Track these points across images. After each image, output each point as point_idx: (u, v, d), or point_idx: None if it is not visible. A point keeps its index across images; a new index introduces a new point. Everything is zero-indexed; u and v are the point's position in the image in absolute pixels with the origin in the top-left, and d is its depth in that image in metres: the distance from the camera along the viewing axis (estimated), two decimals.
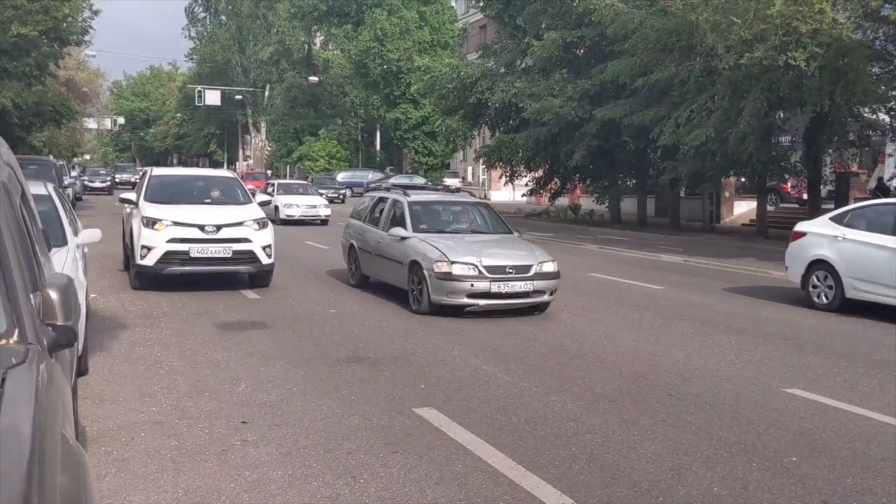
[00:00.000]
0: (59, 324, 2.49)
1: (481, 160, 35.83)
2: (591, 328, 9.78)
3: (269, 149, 77.01)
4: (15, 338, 2.30)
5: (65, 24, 28.76)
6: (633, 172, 30.31)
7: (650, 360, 8.10)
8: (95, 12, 31.98)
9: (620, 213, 30.92)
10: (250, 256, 12.06)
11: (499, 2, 31.91)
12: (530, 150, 30.26)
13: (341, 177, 49.29)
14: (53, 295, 2.48)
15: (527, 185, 34.27)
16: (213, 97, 70.45)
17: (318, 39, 66.20)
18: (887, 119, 23.08)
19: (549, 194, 33.48)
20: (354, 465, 4.95)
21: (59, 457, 1.86)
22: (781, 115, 23.81)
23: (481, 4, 33.74)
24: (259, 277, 12.41)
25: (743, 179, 30.38)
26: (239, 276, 12.57)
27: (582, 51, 30.29)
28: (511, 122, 32.36)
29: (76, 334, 2.61)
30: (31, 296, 2.49)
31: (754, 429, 5.88)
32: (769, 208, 27.48)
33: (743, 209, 31.20)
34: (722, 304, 11.83)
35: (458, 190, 51.80)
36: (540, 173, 32.79)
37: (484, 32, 46.76)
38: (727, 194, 30.78)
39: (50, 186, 8.30)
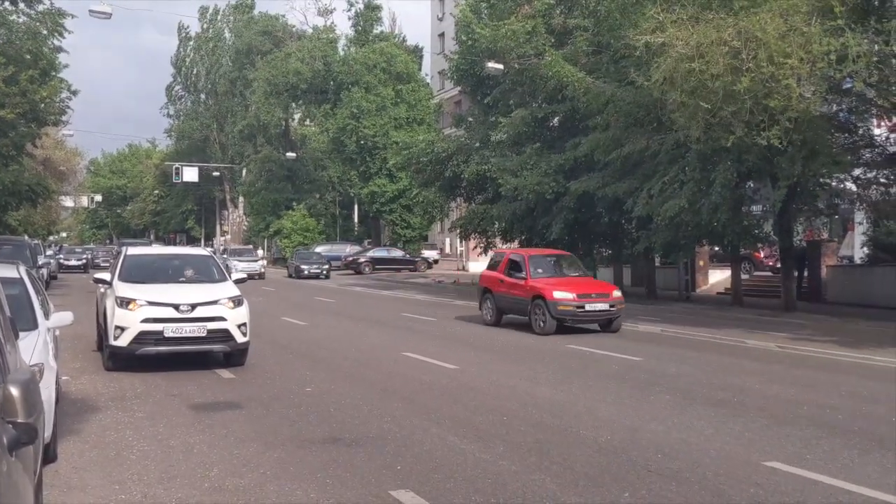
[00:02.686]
0: (19, 421, 2.43)
1: (457, 231, 36.04)
2: (570, 402, 9.71)
3: (246, 223, 77.08)
4: None
5: (42, 106, 28.95)
6: (608, 243, 30.57)
7: (629, 434, 8.03)
8: (74, 93, 32.28)
9: None
10: (225, 335, 11.94)
11: (472, 78, 32.55)
12: (506, 223, 30.51)
13: (319, 250, 49.35)
14: (14, 391, 2.43)
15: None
16: (190, 174, 70.81)
17: (296, 116, 67.02)
18: (854, 188, 23.56)
19: None
20: None
21: None
22: (751, 186, 24.25)
23: (455, 78, 34.38)
24: (234, 356, 12.26)
25: (716, 248, 30.73)
26: (213, 355, 12.42)
27: (554, 125, 30.84)
28: (486, 193, 32.70)
29: (38, 431, 2.55)
30: None
31: None
32: (743, 276, 27.74)
33: (717, 277, 31.47)
34: (700, 375, 11.81)
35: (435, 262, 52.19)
36: (516, 245, 32.98)
37: (459, 108, 47.59)
38: (701, 263, 31.07)
39: (22, 269, 8.23)
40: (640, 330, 18.32)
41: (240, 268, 35.60)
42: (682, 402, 9.75)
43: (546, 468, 6.74)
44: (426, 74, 60.69)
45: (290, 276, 44.66)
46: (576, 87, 25.16)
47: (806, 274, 26.61)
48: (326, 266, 43.54)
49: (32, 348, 6.38)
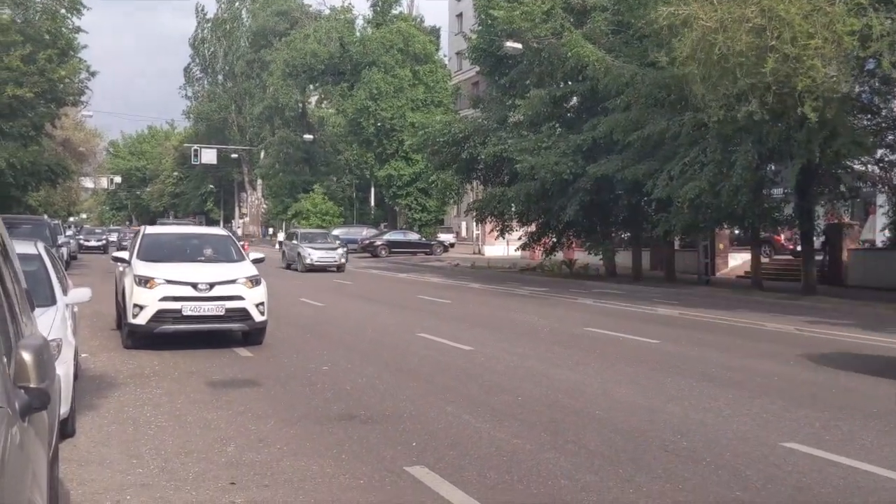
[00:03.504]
0: (32, 386, 2.43)
1: (473, 214, 35.96)
2: (585, 383, 9.68)
3: (265, 206, 77.36)
4: None
5: (61, 86, 29.08)
6: (627, 226, 30.41)
7: (646, 415, 7.99)
8: (92, 74, 32.42)
9: (615, 266, 30.92)
10: (243, 314, 11.99)
11: (490, 58, 32.35)
12: (521, 205, 30.37)
13: (336, 233, 49.41)
14: (27, 357, 2.43)
15: (520, 239, 34.33)
16: (209, 156, 71.12)
17: (314, 98, 67.01)
18: (877, 170, 23.28)
19: (542, 249, 33.53)
20: None
21: None
22: (772, 168, 24.02)
23: (473, 58, 34.17)
24: (252, 335, 12.32)
25: (737, 231, 30.51)
26: (232, 333, 12.48)
27: (573, 105, 30.63)
28: (502, 175, 32.57)
29: (50, 397, 2.55)
30: (5, 358, 2.43)
31: (752, 484, 5.77)
32: (763, 260, 27.53)
33: (737, 261, 31.25)
34: (718, 357, 11.74)
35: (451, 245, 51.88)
36: (533, 228, 32.87)
37: (476, 89, 47.35)
38: (721, 246, 30.86)
39: (40, 246, 8.28)
40: (659, 313, 18.24)
41: (315, 258, 32.53)
42: (699, 383, 9.69)
43: (560, 447, 6.72)
44: (444, 55, 60.42)
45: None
46: (596, 66, 24.96)
47: (827, 257, 26.38)
48: (344, 249, 43.68)
49: (51, 323, 6.42)
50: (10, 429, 2.14)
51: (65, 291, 7.76)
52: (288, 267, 34.22)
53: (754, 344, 13.27)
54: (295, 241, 34.62)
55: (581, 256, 34.09)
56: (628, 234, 31.01)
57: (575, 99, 30.13)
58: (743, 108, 17.20)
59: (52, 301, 7.03)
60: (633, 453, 6.57)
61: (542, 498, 5.42)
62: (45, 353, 2.50)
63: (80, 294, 7.75)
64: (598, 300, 21.30)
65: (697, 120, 21.27)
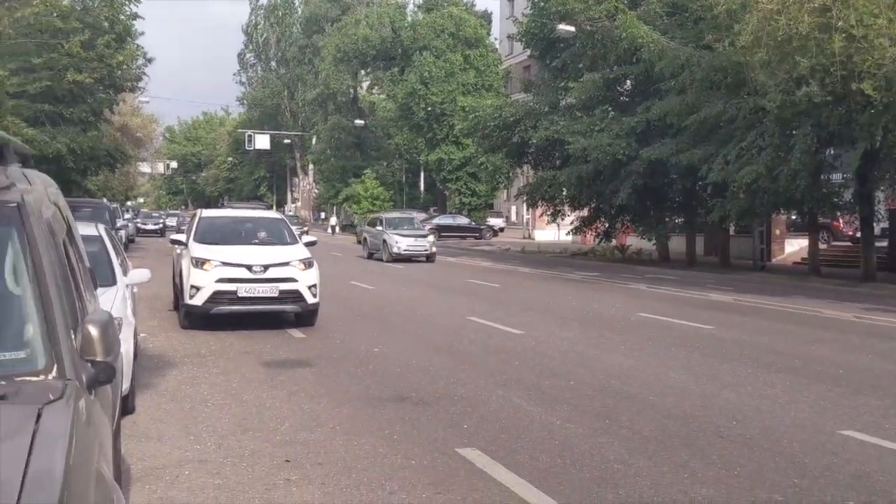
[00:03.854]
0: (98, 360, 2.50)
1: (524, 198, 35.78)
2: (638, 368, 9.59)
3: (316, 191, 78.07)
4: (53, 374, 2.31)
5: (119, 72, 29.66)
6: (681, 210, 29.98)
7: (700, 401, 7.90)
8: (149, 60, 33.01)
9: (668, 251, 30.53)
10: (296, 296, 12.15)
11: (542, 42, 32.08)
12: (573, 188, 30.11)
13: (386, 217, 49.57)
14: (93, 331, 2.50)
15: (571, 223, 34.09)
16: (262, 141, 71.95)
17: (365, 84, 67.27)
18: None
19: (594, 234, 33.25)
20: None
21: (91, 497, 1.83)
22: (832, 152, 23.42)
23: (525, 41, 33.92)
24: (305, 316, 12.48)
25: (794, 217, 29.87)
26: (285, 315, 12.66)
27: (626, 88, 30.25)
28: (554, 159, 32.32)
29: (115, 370, 2.62)
30: (72, 332, 2.50)
31: (809, 472, 5.67)
32: (821, 246, 26.92)
33: (794, 247, 30.60)
34: (774, 344, 11.53)
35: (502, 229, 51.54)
36: (585, 212, 32.59)
37: (528, 72, 47.02)
38: (777, 232, 30.25)
39: (101, 228, 8.48)
40: (713, 299, 17.97)
41: (403, 246, 28.93)
42: (754, 370, 9.54)
43: (614, 432, 6.68)
44: (495, 39, 60.09)
45: (357, 242, 44.98)
46: (650, 49, 24.58)
47: (888, 243, 25.68)
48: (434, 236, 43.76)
49: (111, 303, 6.58)
50: (77, 401, 2.21)
51: (124, 272, 7.94)
52: (370, 256, 30.88)
53: (811, 331, 13.00)
54: (379, 228, 30.72)
55: (633, 241, 33.74)
56: (682, 219, 30.57)
57: (628, 82, 29.73)
58: (802, 89, 16.79)
59: (112, 281, 7.20)
60: (686, 439, 6.50)
61: (595, 482, 5.40)
62: (111, 328, 2.56)
63: (140, 275, 7.93)
64: (651, 285, 21.07)
65: (755, 103, 20.83)
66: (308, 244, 13.64)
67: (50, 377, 2.30)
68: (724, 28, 19.68)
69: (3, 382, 2.18)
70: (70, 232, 3.59)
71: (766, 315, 15.14)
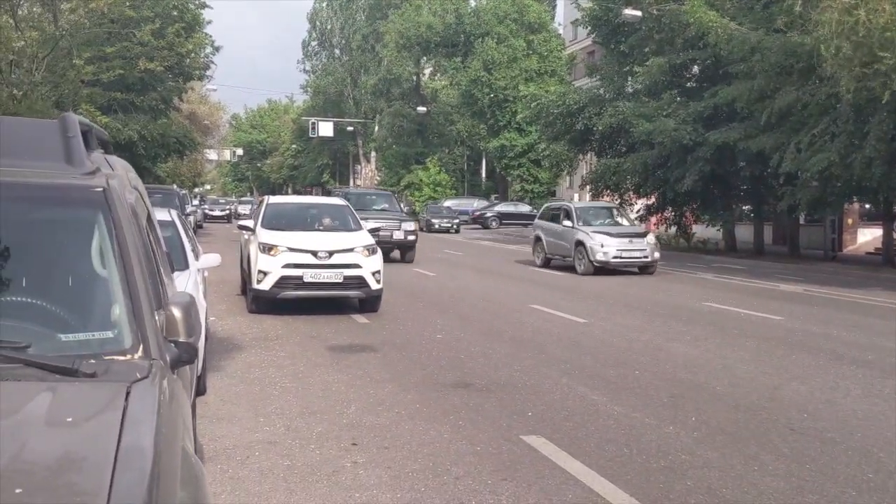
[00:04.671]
0: (181, 340, 2.57)
1: (588, 187, 35.41)
2: (705, 358, 9.44)
3: (377, 178, 78.55)
4: (139, 353, 2.39)
5: (188, 60, 30.30)
6: (748, 198, 29.32)
7: (769, 393, 7.74)
8: (217, 48, 33.65)
9: (735, 240, 29.92)
10: (360, 282, 12.28)
11: (606, 27, 31.64)
12: (638, 175, 29.67)
13: (448, 204, 49.64)
14: (176, 312, 2.57)
15: (637, 212, 33.61)
16: (325, 128, 72.64)
17: (427, 70, 67.32)
18: None
19: (660, 222, 32.75)
20: (463, 491, 4.90)
21: (178, 472, 1.89)
22: None
23: (589, 28, 33.50)
24: (368, 302, 12.61)
25: (868, 206, 28.95)
26: (349, 300, 12.80)
27: (693, 73, 29.66)
28: (618, 146, 31.89)
29: (197, 351, 2.69)
30: (156, 313, 2.58)
31: (884, 467, 5.51)
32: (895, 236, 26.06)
33: (867, 237, 29.68)
34: (846, 336, 11.22)
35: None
36: (652, 200, 32.11)
37: (592, 58, 46.44)
38: (850, 221, 29.37)
39: (174, 213, 8.68)
40: (782, 289, 17.56)
41: (612, 251, 19.77)
42: (826, 362, 9.31)
43: (681, 422, 6.59)
44: (559, 24, 59.49)
45: (420, 229, 45.08)
46: (718, 34, 24.03)
47: None
48: (456, 220, 43.77)
49: (185, 286, 6.73)
50: (163, 380, 2.27)
51: (196, 257, 8.12)
52: (547, 264, 22.17)
53: (885, 322, 12.60)
54: (568, 223, 21.04)
55: (699, 230, 33.14)
56: (749, 206, 29.90)
57: (695, 67, 29.14)
58: (886, 89, 16.24)
59: (184, 265, 7.37)
60: (756, 431, 6.38)
61: (662, 472, 5.34)
62: (193, 310, 2.63)
63: (211, 259, 8.10)
64: (718, 275, 20.68)
65: (828, 91, 20.21)
66: (372, 230, 13.78)
67: (136, 357, 2.37)
68: (798, 14, 19.13)
69: (92, 361, 2.25)
70: (149, 217, 3.69)
71: (838, 306, 14.73)
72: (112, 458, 1.72)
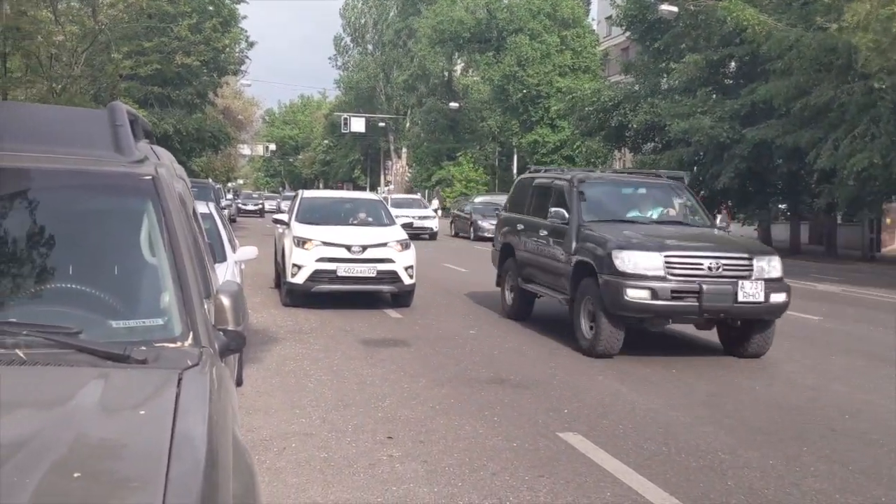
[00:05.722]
0: (229, 328, 2.58)
1: None
2: (743, 359, 9.32)
3: (409, 174, 78.65)
4: (189, 341, 2.39)
5: (223, 55, 30.52)
6: (784, 196, 28.92)
7: (808, 393, 7.63)
8: (251, 44, 33.84)
9: (771, 239, 29.52)
10: (393, 276, 12.29)
11: (642, 23, 31.36)
12: None
13: (478, 201, 49.48)
14: (225, 301, 2.58)
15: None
16: (357, 124, 72.88)
17: (459, 66, 67.22)
18: None
19: None
20: (500, 487, 4.88)
21: (231, 460, 1.89)
22: None
23: (624, 25, 33.24)
24: (401, 297, 12.61)
25: None
26: (382, 295, 12.82)
27: (730, 70, 29.31)
28: (653, 143, 31.61)
29: (245, 339, 2.69)
30: (204, 301, 2.58)
31: None
32: None
33: None
34: (886, 337, 11.02)
35: None
36: None
37: (626, 54, 46.07)
38: (889, 221, 28.86)
39: (211, 206, 8.74)
40: (819, 289, 17.31)
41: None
42: (866, 363, 9.15)
43: (719, 421, 6.51)
44: (593, 19, 59.08)
45: (456, 234, 44.40)
46: (756, 30, 23.72)
47: None
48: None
49: (223, 278, 6.77)
50: (213, 368, 2.28)
51: (233, 249, 8.17)
52: None
53: None
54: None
55: (733, 228, 32.73)
56: (785, 205, 29.49)
57: (732, 63, 28.80)
58: None
59: (222, 257, 7.42)
60: (796, 431, 6.29)
61: (702, 472, 5.27)
62: (241, 299, 2.64)
63: (248, 252, 8.15)
64: None
65: (868, 87, 19.86)
66: (405, 226, 13.79)
67: (186, 344, 2.37)
68: (834, 9, 18.84)
69: (143, 348, 2.26)
70: (193, 209, 3.71)
71: (877, 306, 14.49)
72: (167, 445, 1.72)
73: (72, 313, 2.40)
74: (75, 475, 1.61)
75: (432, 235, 30.56)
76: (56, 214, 2.70)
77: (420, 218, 30.72)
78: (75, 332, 2.26)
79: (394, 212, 26.06)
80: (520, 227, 11.52)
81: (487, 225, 29.77)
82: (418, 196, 39.53)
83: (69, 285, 2.52)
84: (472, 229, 31.62)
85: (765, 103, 24.47)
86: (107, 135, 2.87)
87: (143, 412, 1.95)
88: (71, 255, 2.63)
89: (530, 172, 12.75)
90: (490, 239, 29.18)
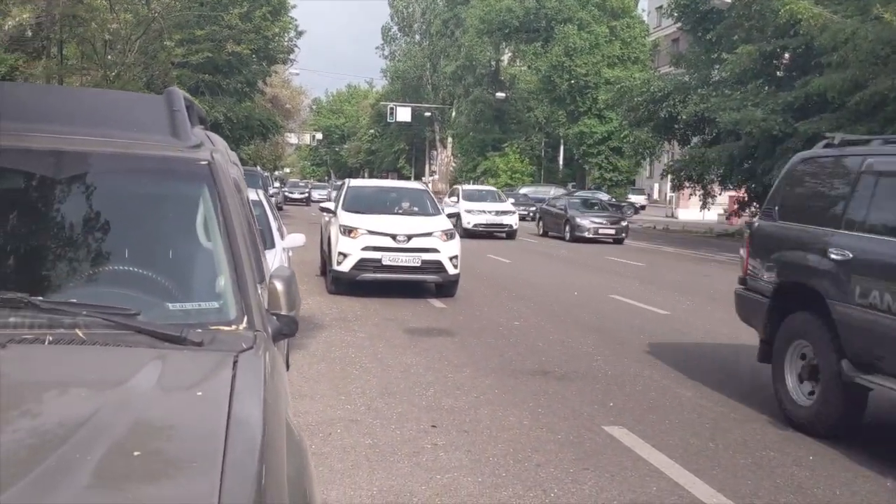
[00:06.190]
0: (282, 313, 2.60)
1: (669, 177, 34.71)
2: None
3: (454, 164, 78.65)
4: (244, 324, 2.42)
5: (273, 44, 30.80)
6: None
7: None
8: (300, 33, 34.10)
9: None
10: (438, 266, 12.32)
11: (694, 14, 30.89)
12: (723, 166, 28.92)
13: (524, 192, 49.29)
14: (279, 286, 2.60)
15: (721, 205, 32.73)
16: (403, 114, 73.06)
17: (506, 56, 66.95)
18: None
19: (744, 214, 31.88)
20: (544, 479, 4.86)
21: (284, 443, 1.90)
22: None
23: (675, 16, 32.77)
24: (445, 287, 12.63)
25: None
26: (425, 284, 12.85)
27: (783, 62, 28.72)
28: (703, 135, 31.14)
29: (297, 324, 2.71)
30: (258, 286, 2.61)
31: None
32: None
33: None
34: None
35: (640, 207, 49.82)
36: (742, 192, 31.24)
37: (676, 46, 45.44)
38: None
39: (261, 193, 8.83)
40: None
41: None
42: None
43: (766, 418, 6.40)
44: (643, 10, 58.37)
45: (544, 232, 43.32)
46: (811, 23, 23.19)
47: None
48: (533, 208, 43.34)
49: (271, 265, 6.85)
50: (266, 352, 2.30)
51: (281, 236, 8.26)
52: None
53: None
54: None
55: None
56: None
57: (786, 55, 28.21)
58: None
59: (271, 244, 7.50)
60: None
61: (750, 469, 5.20)
62: (294, 284, 2.67)
63: (295, 239, 8.23)
64: None
65: None
66: (450, 216, 13.79)
67: (240, 328, 2.40)
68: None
69: (199, 330, 2.29)
70: (245, 196, 3.75)
71: None
72: (224, 426, 1.74)
73: (130, 295, 2.44)
74: (135, 454, 1.63)
75: (510, 234, 26.73)
76: (115, 197, 2.74)
77: (497, 213, 26.87)
78: (134, 313, 2.30)
79: (466, 205, 24.92)
80: (836, 254, 5.91)
81: (588, 223, 26.41)
82: (493, 188, 35.12)
83: (127, 268, 2.56)
84: (567, 228, 26.92)
85: (819, 96, 23.92)
86: (164, 120, 2.91)
87: (199, 393, 1.98)
88: (129, 238, 2.67)
89: (837, 145, 6.63)
90: (592, 240, 25.60)
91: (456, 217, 21.95)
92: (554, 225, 28.16)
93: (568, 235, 26.44)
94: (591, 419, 6.20)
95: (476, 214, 26.15)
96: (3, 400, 1.84)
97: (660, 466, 5.13)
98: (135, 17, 20.55)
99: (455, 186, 31.87)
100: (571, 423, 6.08)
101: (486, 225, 26.23)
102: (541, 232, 29.33)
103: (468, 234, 24.76)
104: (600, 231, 26.12)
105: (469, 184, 31.09)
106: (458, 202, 26.60)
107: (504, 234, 26.59)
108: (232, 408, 1.83)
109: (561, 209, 27.88)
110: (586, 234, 25.91)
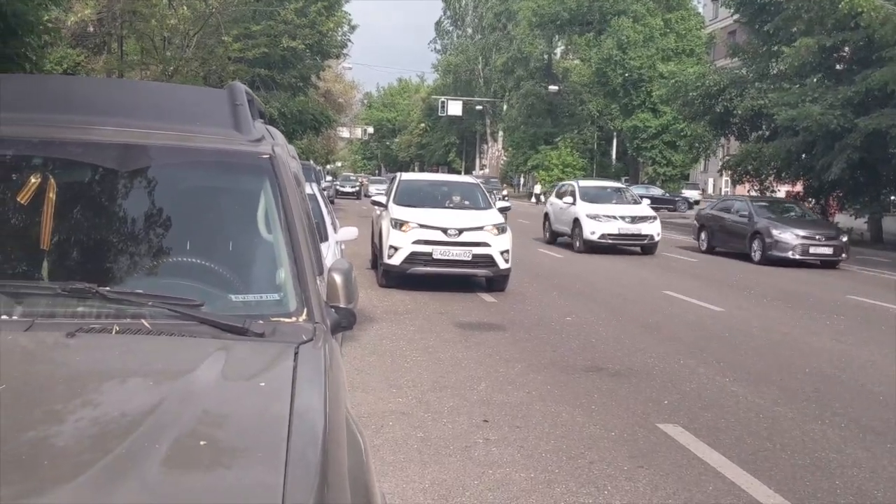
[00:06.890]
0: (341, 306, 2.62)
1: (725, 172, 34.10)
2: (851, 354, 8.94)
3: (504, 158, 78.42)
4: (303, 317, 2.44)
5: (326, 39, 31.03)
6: None
7: None
8: (353, 27, 34.29)
9: (882, 232, 28.18)
10: (489, 260, 12.30)
11: (752, 5, 30.23)
12: (781, 162, 28.31)
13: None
14: (337, 278, 2.63)
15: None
16: (455, 107, 73.05)
17: (559, 49, 66.47)
18: None
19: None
20: (598, 476, 4.83)
21: (345, 434, 1.92)
22: None
23: (732, 9, 32.13)
24: (496, 281, 12.61)
25: None
26: (476, 278, 12.84)
27: (843, 56, 27.97)
28: (760, 130, 30.51)
29: (356, 317, 2.73)
30: (317, 279, 2.64)
31: None
32: None
33: None
34: None
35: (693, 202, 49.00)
36: (799, 187, 30.58)
37: (733, 37, 44.54)
38: None
39: (315, 187, 8.93)
40: None
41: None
42: None
43: (827, 419, 6.27)
44: (698, 2, 57.40)
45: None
46: (872, 15, 22.55)
47: None
48: None
49: (325, 257, 6.92)
50: (326, 344, 2.32)
51: (335, 229, 8.34)
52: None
53: None
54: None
55: (842, 219, 31.37)
56: None
57: (847, 48, 27.46)
58: None
59: (325, 237, 7.58)
60: None
61: (808, 469, 5.09)
62: (352, 277, 2.69)
63: (349, 232, 8.31)
64: (863, 267, 19.54)
65: None
66: (502, 210, 13.77)
67: (300, 320, 2.43)
68: None
69: (260, 322, 2.32)
70: (303, 189, 3.79)
71: None
72: (287, 417, 1.76)
73: (193, 286, 2.48)
74: (202, 443, 1.66)
75: (648, 248, 20.13)
76: (178, 190, 2.79)
77: (633, 220, 20.06)
78: (198, 304, 2.34)
79: (587, 208, 19.93)
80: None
81: (791, 239, 18.74)
82: (619, 184, 27.45)
83: (190, 259, 2.61)
84: (754, 245, 19.49)
85: (879, 90, 23.27)
86: (227, 113, 2.95)
87: (262, 384, 2.01)
88: (192, 229, 2.72)
89: None
90: (801, 263, 18.08)
91: (573, 224, 20.32)
92: (728, 238, 20.96)
93: (757, 255, 19.23)
94: (645, 416, 6.13)
95: (603, 222, 19.74)
96: (71, 389, 1.89)
97: (716, 465, 5.06)
98: (193, 13, 20.89)
99: (565, 182, 24.96)
100: (625, 420, 6.03)
101: (618, 235, 19.73)
102: (704, 248, 21.98)
103: (590, 247, 19.58)
104: (811, 251, 18.67)
105: (583, 180, 24.74)
106: (573, 203, 20.68)
107: (639, 249, 20.36)
108: (294, 399, 1.85)
109: (743, 217, 20.54)
110: (790, 255, 18.55)
